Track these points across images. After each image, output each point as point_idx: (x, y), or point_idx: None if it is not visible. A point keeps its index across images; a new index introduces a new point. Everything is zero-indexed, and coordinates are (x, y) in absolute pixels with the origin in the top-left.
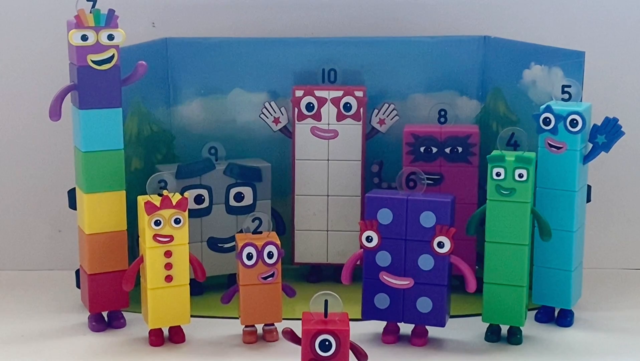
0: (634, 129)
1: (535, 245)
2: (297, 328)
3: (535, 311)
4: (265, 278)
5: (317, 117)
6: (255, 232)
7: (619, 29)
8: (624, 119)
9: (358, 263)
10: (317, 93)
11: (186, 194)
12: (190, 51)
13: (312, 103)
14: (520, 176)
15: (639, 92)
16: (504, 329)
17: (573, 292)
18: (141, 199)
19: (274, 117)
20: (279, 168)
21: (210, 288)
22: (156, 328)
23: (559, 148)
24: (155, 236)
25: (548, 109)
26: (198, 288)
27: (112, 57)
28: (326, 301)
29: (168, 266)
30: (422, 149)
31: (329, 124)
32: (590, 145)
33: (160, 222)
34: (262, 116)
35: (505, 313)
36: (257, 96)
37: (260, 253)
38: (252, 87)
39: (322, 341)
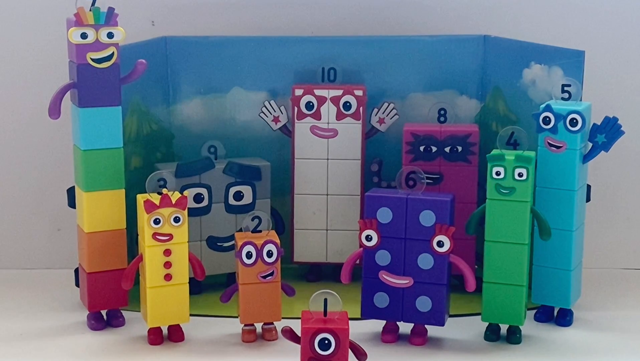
0: (633, 128)
1: (534, 244)
2: (297, 327)
3: (534, 311)
4: (264, 277)
5: (317, 116)
6: (254, 231)
7: (619, 29)
8: (623, 118)
9: (357, 262)
10: (317, 92)
11: (186, 192)
12: (189, 50)
13: (311, 102)
14: (520, 175)
15: (639, 92)
16: (504, 328)
17: (572, 292)
18: (140, 198)
19: (274, 116)
20: (279, 167)
21: (210, 286)
22: (155, 326)
23: (558, 147)
24: (154, 235)
25: (548, 108)
26: (197, 286)
27: (112, 55)
28: (325, 300)
29: (167, 264)
30: (421, 148)
31: (328, 123)
32: (590, 144)
33: (159, 220)
34: (261, 114)
35: (504, 313)
36: (257, 94)
37: (259, 251)
38: (252, 86)
39: (322, 340)
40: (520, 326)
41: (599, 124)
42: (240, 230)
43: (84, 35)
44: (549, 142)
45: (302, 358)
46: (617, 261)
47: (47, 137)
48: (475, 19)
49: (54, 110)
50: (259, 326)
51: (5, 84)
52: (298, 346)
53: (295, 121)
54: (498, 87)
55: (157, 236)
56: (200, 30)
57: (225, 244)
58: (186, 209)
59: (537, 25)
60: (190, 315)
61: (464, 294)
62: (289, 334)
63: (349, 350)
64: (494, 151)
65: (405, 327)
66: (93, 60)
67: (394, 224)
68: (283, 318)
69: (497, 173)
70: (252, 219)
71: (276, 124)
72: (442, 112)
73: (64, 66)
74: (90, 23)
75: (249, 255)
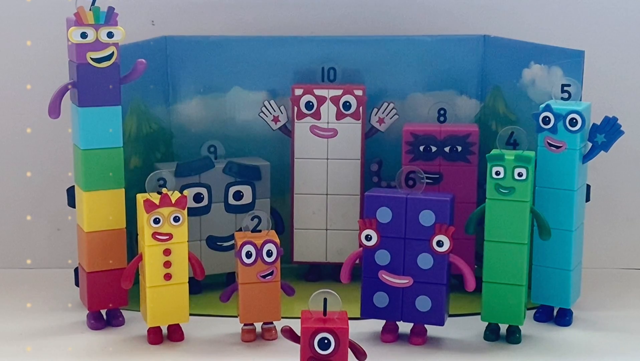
0: (633, 128)
1: (534, 244)
2: (296, 326)
3: (534, 311)
4: (264, 277)
5: (317, 115)
6: (254, 230)
7: (619, 29)
8: (623, 118)
9: (357, 261)
10: (317, 92)
11: (185, 192)
12: (189, 49)
13: (311, 102)
14: (520, 175)
15: (639, 92)
16: (503, 328)
17: (572, 291)
18: (140, 197)
19: (274, 115)
20: (278, 167)
21: (209, 286)
22: (155, 326)
23: (558, 147)
24: (154, 234)
25: (547, 108)
26: (197, 286)
27: (112, 54)
28: (325, 299)
29: (167, 264)
30: (421, 148)
31: (328, 122)
32: (590, 144)
33: (159, 220)
34: (261, 114)
35: (504, 312)
36: (257, 94)
37: (259, 251)
38: (252, 85)
39: (321, 340)
40: (519, 326)
41: (598, 124)
42: (240, 230)
43: (83, 35)
44: (548, 142)
45: (302, 357)
46: (616, 261)
47: (47, 137)
48: (475, 19)
49: (54, 109)
50: (258, 326)
51: (6, 83)
52: (298, 346)
53: (295, 120)
54: (498, 87)
55: (157, 236)
56: (200, 29)
57: (225, 244)
58: (186, 209)
59: (537, 25)
60: (190, 314)
61: (464, 294)
62: (289, 333)
63: (349, 350)
64: (494, 151)
65: (404, 327)
66: (93, 59)
67: (394, 224)
68: (283, 317)
69: (497, 173)
70: (252, 219)
71: (276, 123)
72: (442, 112)
73: (64, 66)
74: (90, 22)
75: (248, 255)
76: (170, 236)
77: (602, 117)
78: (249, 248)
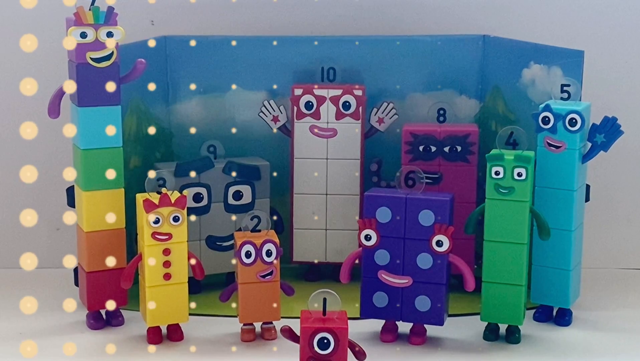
0: (633, 128)
1: (533, 244)
2: (296, 326)
3: (533, 310)
4: (263, 277)
5: (316, 115)
6: (253, 230)
7: (618, 29)
8: (623, 118)
9: (357, 261)
10: (316, 92)
11: (185, 192)
12: (189, 49)
13: (311, 102)
14: (519, 175)
15: (639, 92)
16: (503, 328)
17: (571, 291)
18: (140, 197)
19: (273, 115)
20: (278, 167)
21: (209, 286)
22: (154, 326)
23: (558, 147)
24: (153, 234)
25: (547, 108)
26: (196, 286)
27: (111, 54)
28: (325, 299)
29: (166, 264)
30: (421, 148)
31: (327, 122)
32: (589, 144)
33: (159, 220)
34: (261, 114)
35: (503, 312)
36: (256, 94)
37: (258, 251)
38: (251, 85)
39: (321, 340)
40: (519, 326)
41: (598, 124)
42: (240, 229)
43: (83, 35)
44: (548, 142)
45: (302, 357)
46: (616, 261)
47: (47, 136)
48: (475, 19)
49: (54, 109)
50: (258, 326)
51: (5, 83)
52: (297, 346)
53: (295, 120)
54: (497, 87)
55: (157, 236)
56: (200, 29)
57: (225, 244)
58: (185, 209)
59: (537, 25)
60: (190, 314)
61: (463, 294)
62: (288, 333)
63: (348, 350)
64: (493, 151)
65: (404, 327)
66: (92, 59)
67: (393, 224)
68: (282, 317)
69: (497, 173)
70: (252, 219)
71: (275, 123)
72: (442, 112)
73: (64, 66)
74: (89, 22)
75: (248, 254)
76: (170, 235)
77: (601, 117)
78: (248, 247)
